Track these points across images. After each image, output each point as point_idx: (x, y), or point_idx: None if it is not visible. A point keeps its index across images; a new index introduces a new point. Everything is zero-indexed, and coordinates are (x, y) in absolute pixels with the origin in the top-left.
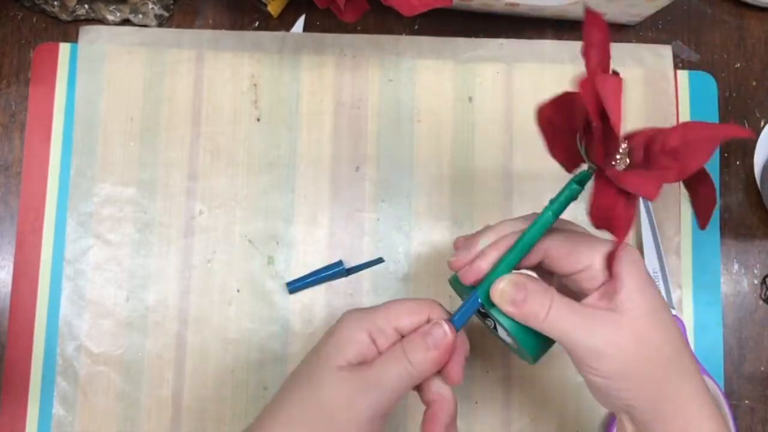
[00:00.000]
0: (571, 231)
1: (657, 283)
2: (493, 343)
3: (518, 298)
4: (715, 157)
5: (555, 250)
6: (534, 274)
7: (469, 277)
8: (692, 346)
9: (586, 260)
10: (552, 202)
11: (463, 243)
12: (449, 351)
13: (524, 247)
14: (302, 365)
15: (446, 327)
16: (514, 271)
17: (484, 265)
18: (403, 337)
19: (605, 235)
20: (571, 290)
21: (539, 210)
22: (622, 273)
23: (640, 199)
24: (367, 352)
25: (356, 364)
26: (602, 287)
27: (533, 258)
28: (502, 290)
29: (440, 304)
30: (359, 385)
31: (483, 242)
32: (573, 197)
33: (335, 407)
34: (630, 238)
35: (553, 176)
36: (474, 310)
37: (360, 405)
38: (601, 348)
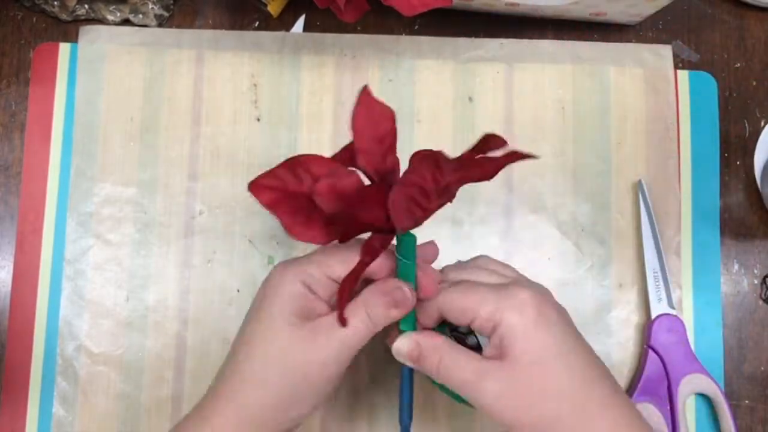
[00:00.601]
0: (461, 281)
1: (657, 283)
2: None
3: (414, 354)
4: (716, 157)
5: (445, 307)
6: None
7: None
8: (692, 346)
9: (471, 313)
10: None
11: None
12: (410, 309)
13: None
14: (251, 324)
15: (407, 290)
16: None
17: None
18: (337, 283)
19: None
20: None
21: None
22: (503, 322)
23: (640, 197)
24: (310, 305)
25: (304, 317)
26: (493, 336)
27: (432, 314)
28: (398, 348)
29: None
30: (327, 342)
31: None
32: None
33: (308, 365)
34: (630, 241)
35: (554, 176)
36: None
37: (332, 363)
38: (490, 402)
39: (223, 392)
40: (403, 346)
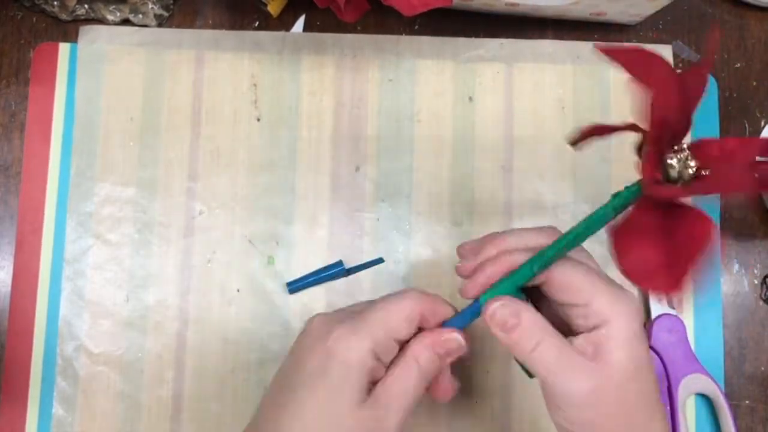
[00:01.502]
0: (578, 261)
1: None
2: (492, 344)
3: (509, 324)
4: None
5: (558, 278)
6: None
7: (469, 291)
8: (692, 346)
9: (585, 297)
10: (581, 223)
11: (468, 250)
12: (460, 354)
13: (535, 270)
14: (308, 401)
15: (460, 338)
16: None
17: (484, 280)
18: (399, 342)
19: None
20: (559, 317)
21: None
22: (612, 323)
23: None
24: (377, 376)
25: (368, 392)
26: (593, 331)
27: (534, 280)
28: (494, 311)
29: (426, 294)
30: (388, 414)
31: (489, 252)
32: (606, 221)
33: None
34: None
35: (554, 176)
36: (473, 319)
37: (398, 428)
38: (576, 397)
39: None
40: (500, 312)
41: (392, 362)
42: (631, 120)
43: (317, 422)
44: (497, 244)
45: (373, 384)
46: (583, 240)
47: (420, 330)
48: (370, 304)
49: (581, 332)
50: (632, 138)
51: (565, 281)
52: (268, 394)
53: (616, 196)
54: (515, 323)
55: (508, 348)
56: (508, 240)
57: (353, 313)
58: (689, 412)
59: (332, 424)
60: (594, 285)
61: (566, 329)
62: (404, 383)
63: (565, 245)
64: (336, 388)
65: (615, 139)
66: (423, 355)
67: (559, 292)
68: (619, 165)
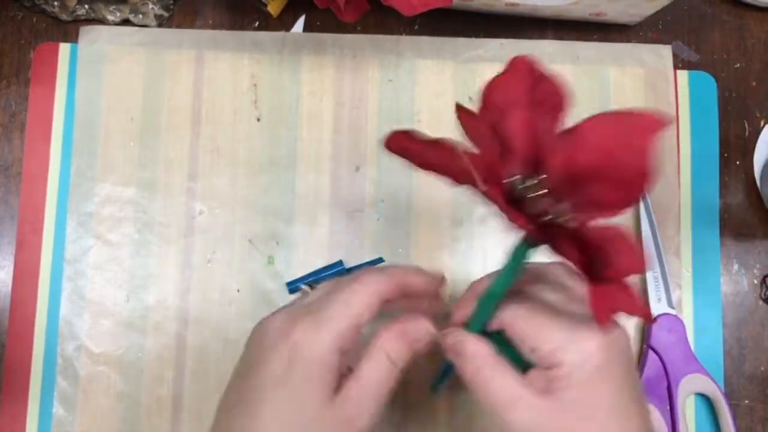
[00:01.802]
0: (532, 305)
1: (657, 284)
2: None
3: (454, 349)
4: (716, 157)
5: (507, 324)
6: None
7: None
8: (692, 346)
9: (533, 342)
10: (495, 281)
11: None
12: (432, 342)
13: (477, 328)
14: (273, 398)
15: (428, 327)
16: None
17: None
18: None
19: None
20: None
21: None
22: (564, 365)
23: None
24: (344, 369)
25: (336, 388)
26: (547, 369)
27: (491, 325)
28: (443, 338)
29: (388, 272)
30: (359, 410)
31: (464, 297)
32: (516, 275)
33: None
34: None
35: None
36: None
37: (370, 426)
38: (513, 429)
39: None
40: (448, 338)
41: (361, 355)
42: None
43: (284, 425)
44: (473, 288)
45: (341, 379)
46: (499, 296)
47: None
48: (328, 295)
49: (539, 369)
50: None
51: (514, 328)
52: (226, 400)
53: (512, 253)
54: (458, 350)
55: (462, 377)
56: (483, 283)
57: (312, 308)
58: (689, 412)
59: (301, 425)
60: (542, 329)
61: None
62: (374, 378)
63: (486, 306)
64: (303, 388)
65: None
66: (392, 347)
67: (512, 335)
68: None
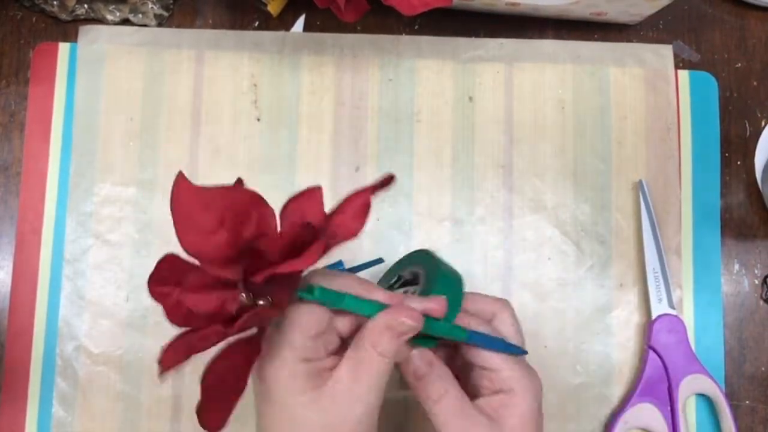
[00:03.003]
0: (496, 334)
1: (658, 284)
2: None
3: (421, 372)
4: (716, 157)
5: (479, 349)
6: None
7: None
8: (693, 347)
9: (497, 364)
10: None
11: None
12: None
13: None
14: (265, 413)
15: (411, 316)
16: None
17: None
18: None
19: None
20: (465, 376)
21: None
22: (516, 392)
23: (641, 196)
24: (317, 372)
25: (316, 387)
26: (495, 395)
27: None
28: (410, 358)
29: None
30: (353, 401)
31: None
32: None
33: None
34: (631, 240)
35: (554, 176)
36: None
37: (368, 414)
38: None
39: None
40: (415, 359)
41: (352, 345)
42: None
43: (280, 427)
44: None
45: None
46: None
47: None
48: (283, 320)
49: (484, 395)
50: (631, 137)
51: (477, 355)
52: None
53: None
54: (426, 372)
55: (416, 395)
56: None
57: (273, 337)
58: (690, 412)
59: (294, 424)
60: (504, 357)
61: (469, 390)
62: (360, 369)
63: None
64: (281, 400)
65: (614, 138)
66: (377, 339)
67: (474, 354)
68: (619, 165)
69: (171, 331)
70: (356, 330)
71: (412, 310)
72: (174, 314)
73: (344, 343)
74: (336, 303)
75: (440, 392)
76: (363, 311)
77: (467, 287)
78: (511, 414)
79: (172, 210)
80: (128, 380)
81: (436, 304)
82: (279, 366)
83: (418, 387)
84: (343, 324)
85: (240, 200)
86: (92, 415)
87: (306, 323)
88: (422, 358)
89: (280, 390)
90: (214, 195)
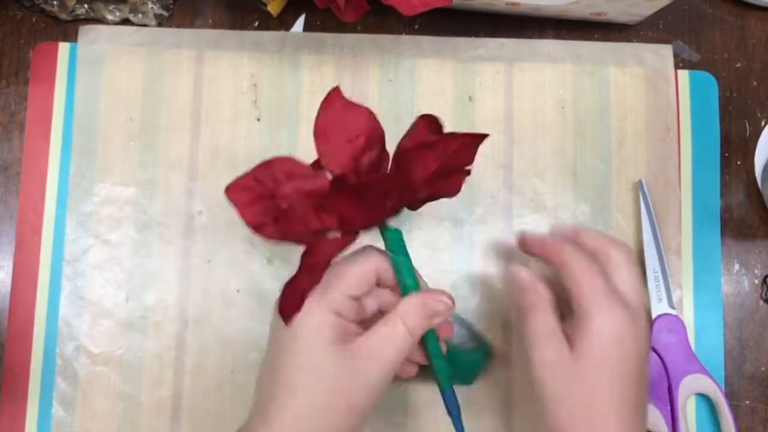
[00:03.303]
0: (595, 261)
1: (658, 283)
2: (493, 340)
3: (527, 284)
4: (716, 157)
5: (571, 268)
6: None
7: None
8: (693, 346)
9: (583, 283)
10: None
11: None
12: (447, 316)
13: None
14: (288, 354)
15: (448, 301)
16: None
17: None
18: (356, 299)
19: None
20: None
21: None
22: (594, 319)
23: (640, 196)
24: (345, 329)
25: (341, 343)
26: (578, 320)
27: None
28: (517, 274)
29: (377, 250)
30: (370, 365)
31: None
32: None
33: (353, 393)
34: (631, 240)
35: (554, 176)
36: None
37: (376, 385)
38: (537, 366)
39: (269, 424)
40: (524, 272)
41: (383, 319)
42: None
43: (298, 369)
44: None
45: (350, 339)
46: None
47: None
48: (333, 269)
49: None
50: (631, 137)
51: (568, 267)
52: (264, 363)
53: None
54: (531, 286)
55: (515, 306)
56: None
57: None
58: (689, 412)
59: (311, 369)
60: (592, 283)
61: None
62: (386, 339)
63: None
64: (306, 340)
65: (614, 138)
66: (409, 315)
67: (562, 273)
68: (619, 165)
69: (170, 331)
70: (377, 313)
71: (448, 295)
72: (251, 214)
73: (363, 323)
74: (399, 254)
75: (533, 305)
76: (409, 279)
77: (467, 287)
78: (587, 338)
79: (320, 117)
80: (128, 380)
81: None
82: (312, 310)
83: (522, 299)
84: (370, 304)
85: (376, 123)
86: (92, 415)
87: (350, 279)
88: (530, 273)
89: (307, 335)
90: (360, 110)
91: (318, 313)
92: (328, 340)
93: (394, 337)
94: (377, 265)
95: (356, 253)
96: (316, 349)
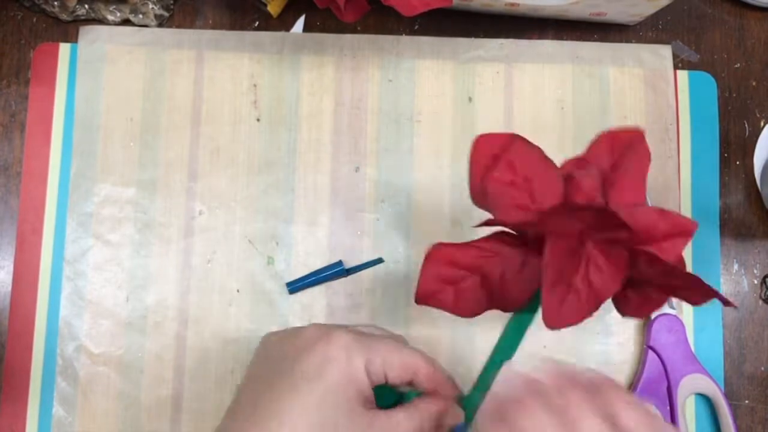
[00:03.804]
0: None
1: None
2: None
3: None
4: (716, 157)
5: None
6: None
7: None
8: (692, 346)
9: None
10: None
11: None
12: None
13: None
14: (301, 399)
15: (461, 418)
16: None
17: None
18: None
19: None
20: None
21: None
22: None
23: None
24: (369, 394)
25: (363, 407)
26: None
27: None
28: None
29: (430, 360)
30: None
31: None
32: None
33: None
34: None
35: None
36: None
37: None
38: None
39: None
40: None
41: (399, 407)
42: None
43: (315, 417)
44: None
45: (367, 405)
46: (498, 366)
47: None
48: (376, 331)
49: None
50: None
51: None
52: (237, 405)
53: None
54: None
55: None
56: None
57: (354, 330)
58: (689, 412)
59: (334, 422)
60: None
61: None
62: (403, 426)
63: (492, 369)
64: (336, 387)
65: None
66: (427, 417)
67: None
68: None
69: (170, 331)
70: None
71: (460, 415)
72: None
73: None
74: (511, 346)
75: None
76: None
77: None
78: None
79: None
80: (128, 380)
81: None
82: (352, 356)
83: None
84: (398, 370)
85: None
86: (92, 415)
87: (397, 359)
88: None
89: (335, 380)
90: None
91: (360, 362)
92: (354, 398)
93: (409, 427)
94: (425, 368)
95: (408, 348)
96: (345, 399)
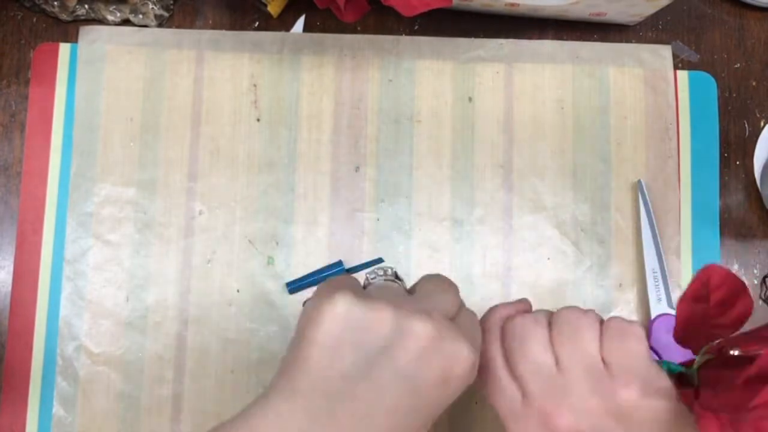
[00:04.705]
0: None
1: (657, 284)
2: None
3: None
4: (716, 157)
5: None
6: None
7: None
8: None
9: None
10: None
11: None
12: None
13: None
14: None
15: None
16: None
17: None
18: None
19: None
20: None
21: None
22: None
23: (640, 197)
24: None
25: None
26: None
27: None
28: None
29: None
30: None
31: None
32: None
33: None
34: (630, 241)
35: (553, 176)
36: None
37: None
38: None
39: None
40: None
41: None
42: None
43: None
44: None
45: None
46: None
47: None
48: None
49: None
50: (630, 137)
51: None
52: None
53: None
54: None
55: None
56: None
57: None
58: None
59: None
60: None
61: None
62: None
63: None
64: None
65: (614, 138)
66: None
67: None
68: (618, 165)
69: (170, 331)
70: None
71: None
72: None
73: None
74: None
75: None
76: None
77: (467, 287)
78: None
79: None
80: (128, 380)
81: None
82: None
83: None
84: None
85: None
86: (92, 414)
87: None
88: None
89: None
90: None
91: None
92: None
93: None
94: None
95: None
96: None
